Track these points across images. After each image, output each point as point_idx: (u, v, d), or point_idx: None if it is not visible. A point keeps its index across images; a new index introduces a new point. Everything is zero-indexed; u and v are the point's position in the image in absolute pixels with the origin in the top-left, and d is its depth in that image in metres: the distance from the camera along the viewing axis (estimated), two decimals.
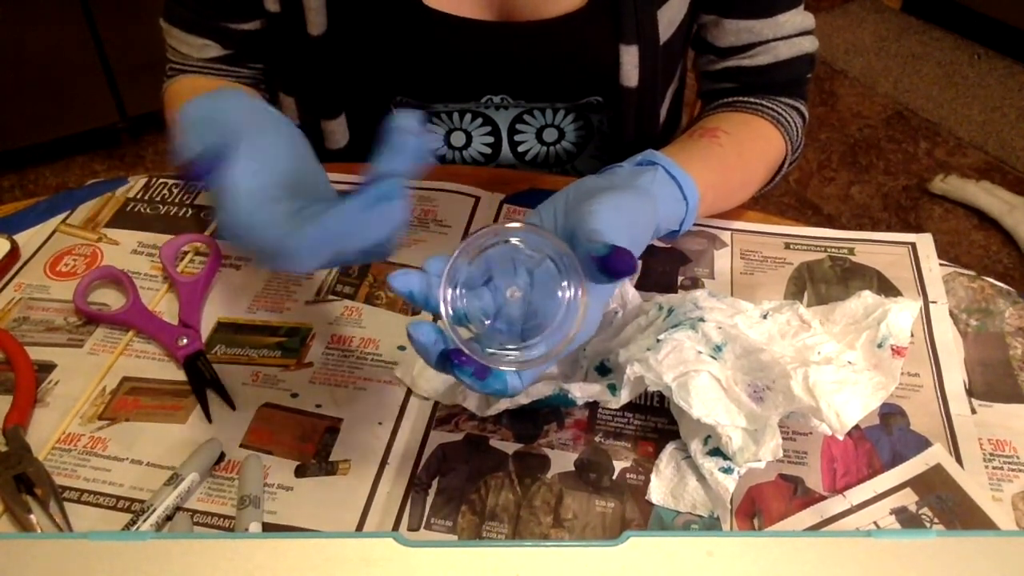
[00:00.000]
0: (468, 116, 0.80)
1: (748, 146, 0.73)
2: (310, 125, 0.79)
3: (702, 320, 0.57)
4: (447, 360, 0.44)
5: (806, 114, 0.79)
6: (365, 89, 0.78)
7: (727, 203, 0.72)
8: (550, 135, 0.82)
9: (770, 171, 0.76)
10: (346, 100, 0.79)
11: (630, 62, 0.73)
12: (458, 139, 0.82)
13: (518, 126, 0.81)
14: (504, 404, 0.57)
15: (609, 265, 0.43)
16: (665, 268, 0.70)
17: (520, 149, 0.83)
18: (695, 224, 0.73)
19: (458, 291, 0.46)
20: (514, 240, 0.46)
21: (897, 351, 0.57)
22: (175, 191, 0.78)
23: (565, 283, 0.45)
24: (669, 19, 0.74)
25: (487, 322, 0.47)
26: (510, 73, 0.76)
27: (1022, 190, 2.00)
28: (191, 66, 0.79)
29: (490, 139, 0.82)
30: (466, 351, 0.44)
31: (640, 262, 0.63)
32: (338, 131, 0.79)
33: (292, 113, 0.80)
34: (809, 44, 0.76)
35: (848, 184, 2.08)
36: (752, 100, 0.76)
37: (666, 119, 0.84)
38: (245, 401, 0.60)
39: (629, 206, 0.49)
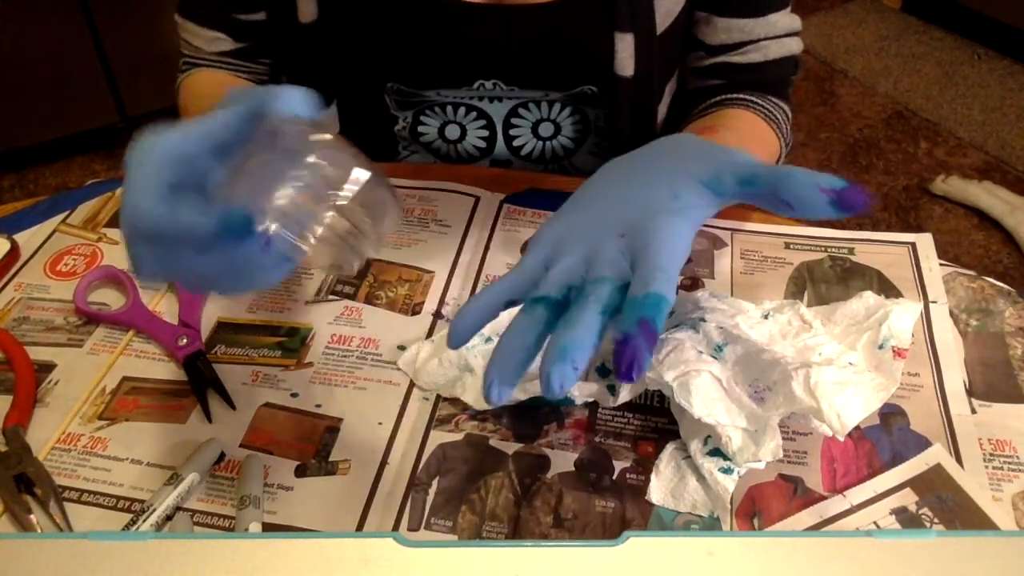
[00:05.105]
0: (463, 110, 0.80)
1: (747, 139, 0.73)
2: None
3: (703, 320, 0.57)
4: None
5: (790, 116, 0.79)
6: (356, 76, 0.78)
7: None
8: (546, 129, 0.82)
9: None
10: (337, 89, 0.79)
11: (625, 50, 0.73)
12: (452, 132, 0.82)
13: (513, 120, 0.81)
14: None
15: (844, 201, 0.44)
16: None
17: (515, 144, 0.83)
18: None
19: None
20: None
21: (898, 352, 0.57)
22: None
23: None
24: (667, 9, 0.74)
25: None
26: (502, 58, 0.76)
27: (1022, 190, 2.00)
28: (204, 60, 0.80)
29: (485, 132, 0.82)
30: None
31: None
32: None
33: None
34: (796, 45, 0.77)
35: None
36: (742, 96, 0.76)
37: (667, 119, 0.84)
38: (245, 401, 0.60)
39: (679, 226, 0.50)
